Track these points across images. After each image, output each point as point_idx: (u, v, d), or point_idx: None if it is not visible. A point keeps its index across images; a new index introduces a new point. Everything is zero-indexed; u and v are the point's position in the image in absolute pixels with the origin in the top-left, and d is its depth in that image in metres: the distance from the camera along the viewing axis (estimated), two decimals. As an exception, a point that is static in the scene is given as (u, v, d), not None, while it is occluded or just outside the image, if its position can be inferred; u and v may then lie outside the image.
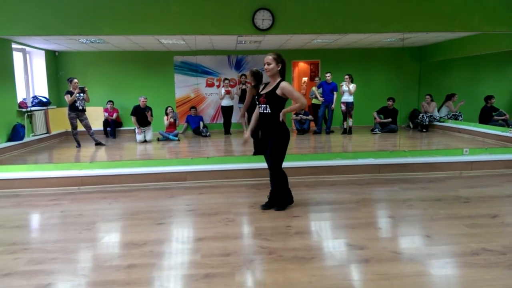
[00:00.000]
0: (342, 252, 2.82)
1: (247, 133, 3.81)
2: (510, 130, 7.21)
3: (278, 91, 3.47)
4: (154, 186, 4.76)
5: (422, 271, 2.51)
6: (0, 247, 3.02)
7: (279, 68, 3.51)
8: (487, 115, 8.99)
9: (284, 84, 3.48)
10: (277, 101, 3.51)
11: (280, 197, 3.75)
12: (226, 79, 9.53)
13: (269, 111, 3.53)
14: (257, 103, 3.66)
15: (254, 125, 3.83)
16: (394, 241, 3.04)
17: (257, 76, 5.62)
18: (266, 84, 3.68)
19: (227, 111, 9.45)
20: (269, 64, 3.51)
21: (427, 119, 9.47)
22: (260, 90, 3.68)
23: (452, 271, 2.53)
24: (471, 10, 5.40)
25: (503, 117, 8.92)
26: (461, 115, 9.60)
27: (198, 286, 2.37)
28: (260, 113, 3.64)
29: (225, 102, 9.38)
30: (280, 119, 3.53)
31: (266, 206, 3.78)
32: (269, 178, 3.81)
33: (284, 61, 3.55)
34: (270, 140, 3.59)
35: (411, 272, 2.50)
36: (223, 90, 9.34)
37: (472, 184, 4.70)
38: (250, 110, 5.64)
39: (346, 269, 2.57)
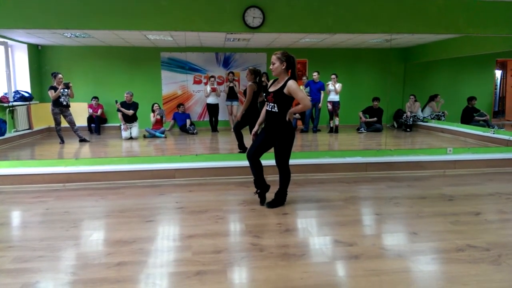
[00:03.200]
0: (332, 249, 2.86)
1: (256, 128, 3.84)
2: (492, 131, 7.41)
3: (285, 90, 3.48)
4: (142, 183, 4.72)
5: (410, 267, 2.57)
6: (-16, 245, 2.95)
7: (283, 67, 3.51)
8: (468, 116, 9.21)
9: (290, 83, 3.48)
10: (285, 100, 3.52)
11: (282, 195, 3.80)
12: (212, 76, 9.49)
13: (276, 110, 3.54)
14: (265, 100, 3.67)
15: (262, 120, 3.82)
16: (382, 238, 3.09)
17: (256, 74, 5.68)
18: (275, 81, 3.67)
19: (212, 109, 9.41)
20: (273, 64, 3.53)
21: (411, 119, 9.65)
22: (268, 87, 3.68)
23: (438, 267, 2.60)
24: (456, 13, 5.52)
25: (484, 118, 9.15)
26: (443, 115, 9.81)
27: (190, 283, 2.36)
28: (266, 110, 3.66)
29: (211, 100, 9.34)
30: (287, 118, 3.55)
31: (269, 204, 3.81)
32: (253, 178, 3.84)
33: (289, 59, 3.52)
34: (278, 143, 3.61)
35: (399, 268, 2.55)
36: (208, 88, 9.30)
37: (456, 182, 4.82)
38: (249, 108, 5.69)
39: (337, 266, 2.61)
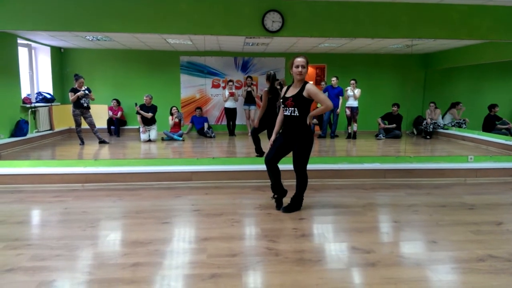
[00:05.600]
0: (348, 256, 2.80)
1: (273, 137, 3.79)
2: (515, 139, 7.20)
3: (304, 93, 3.47)
4: (159, 185, 4.75)
5: (428, 276, 2.50)
6: (2, 242, 3.01)
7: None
8: (490, 124, 8.97)
9: (309, 86, 3.48)
10: (304, 103, 3.50)
11: (299, 200, 3.77)
12: (230, 81, 9.53)
13: (297, 114, 3.52)
14: (282, 106, 3.65)
15: (279, 128, 3.80)
16: (401, 246, 3.02)
17: (274, 79, 5.67)
18: (289, 87, 3.66)
19: (230, 113, 9.45)
20: (303, 67, 3.47)
21: (431, 126, 9.46)
22: (283, 94, 3.67)
23: (458, 277, 2.52)
24: (479, 18, 5.41)
25: (506, 126, 8.90)
26: (464, 123, 9.59)
27: (205, 286, 2.35)
28: (285, 115, 3.62)
29: (229, 104, 9.38)
30: (308, 122, 3.53)
31: (285, 209, 3.78)
32: (270, 183, 3.82)
33: None
34: (297, 147, 3.58)
35: (417, 277, 2.48)
36: (227, 92, 9.34)
37: (477, 191, 4.69)
38: (266, 113, 5.69)
39: (353, 273, 2.56)
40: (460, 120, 9.67)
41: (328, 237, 3.19)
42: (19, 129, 7.49)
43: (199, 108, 9.74)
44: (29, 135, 7.74)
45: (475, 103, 9.87)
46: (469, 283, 2.43)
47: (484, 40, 6.47)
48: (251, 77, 9.44)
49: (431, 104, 9.70)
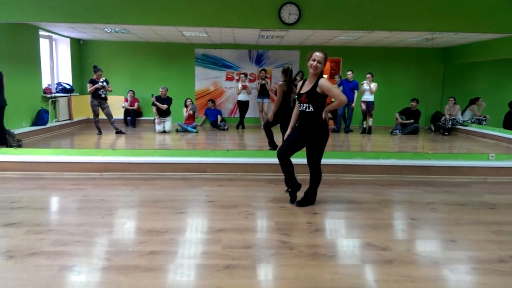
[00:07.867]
0: (364, 252, 2.78)
1: (288, 131, 3.78)
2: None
3: (318, 89, 3.44)
4: (174, 176, 4.79)
5: (447, 276, 2.46)
6: (26, 227, 3.10)
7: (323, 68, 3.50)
8: (512, 121, 8.74)
9: (322, 81, 3.44)
10: (319, 99, 3.47)
11: (313, 194, 3.75)
12: (243, 73, 9.50)
13: (312, 110, 3.49)
14: (297, 101, 3.64)
15: (295, 123, 3.79)
16: (418, 244, 2.98)
17: (290, 74, 5.65)
18: (305, 81, 3.64)
19: (243, 106, 9.43)
20: (320, 62, 3.44)
21: (450, 122, 9.27)
22: (299, 89, 3.64)
23: (478, 277, 2.47)
24: (504, 11, 5.23)
25: (528, 124, 8.66)
26: (485, 120, 9.37)
27: (220, 276, 2.37)
28: (301, 111, 3.60)
29: (242, 97, 9.35)
30: (323, 117, 3.51)
31: (298, 203, 3.77)
32: (284, 176, 3.81)
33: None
34: (311, 141, 3.56)
35: (435, 276, 2.45)
36: (240, 85, 9.32)
37: (498, 190, 4.58)
38: (281, 107, 5.66)
39: (369, 269, 2.54)
40: (480, 116, 9.44)
41: (343, 232, 3.17)
42: (40, 118, 7.65)
43: (212, 100, 9.75)
44: (49, 124, 7.89)
45: (496, 100, 9.61)
46: (489, 284, 2.38)
47: (508, 34, 6.26)
48: (265, 70, 9.39)
49: (450, 99, 9.49)
